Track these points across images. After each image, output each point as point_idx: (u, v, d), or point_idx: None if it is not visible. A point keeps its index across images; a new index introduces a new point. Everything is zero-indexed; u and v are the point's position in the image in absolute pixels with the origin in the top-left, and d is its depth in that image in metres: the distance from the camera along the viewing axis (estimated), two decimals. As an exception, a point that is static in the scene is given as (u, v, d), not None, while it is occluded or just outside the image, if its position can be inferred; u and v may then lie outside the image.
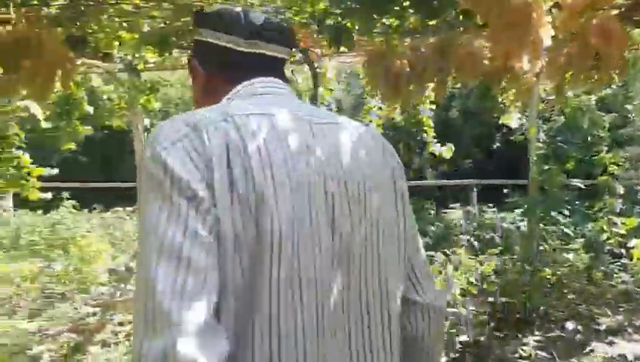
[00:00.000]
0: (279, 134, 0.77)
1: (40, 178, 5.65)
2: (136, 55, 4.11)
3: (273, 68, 0.90)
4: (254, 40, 0.88)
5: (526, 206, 4.93)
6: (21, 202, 6.97)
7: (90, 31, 2.83)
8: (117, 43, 3.43)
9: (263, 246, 0.70)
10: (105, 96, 5.78)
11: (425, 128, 4.97)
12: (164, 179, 0.69)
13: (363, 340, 0.80)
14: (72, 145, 5.68)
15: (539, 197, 4.74)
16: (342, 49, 3.51)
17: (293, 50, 1.01)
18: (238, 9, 0.91)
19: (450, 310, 4.10)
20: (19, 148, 5.57)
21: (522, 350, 4.03)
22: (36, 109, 5.63)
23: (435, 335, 0.93)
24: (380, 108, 5.14)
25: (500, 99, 4.30)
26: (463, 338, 3.98)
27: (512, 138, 5.41)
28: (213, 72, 0.91)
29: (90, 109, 5.75)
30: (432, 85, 2.52)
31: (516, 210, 6.75)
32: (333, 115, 0.91)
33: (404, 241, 0.88)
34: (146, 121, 5.54)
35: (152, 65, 4.86)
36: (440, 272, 4.54)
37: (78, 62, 4.91)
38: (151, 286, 0.63)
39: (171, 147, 0.71)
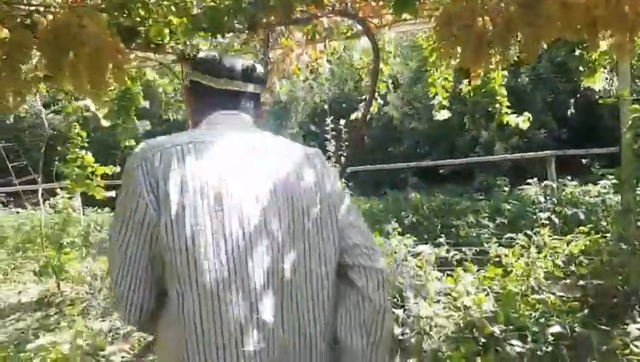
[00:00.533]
0: (209, 156, 1.04)
1: (104, 176, 5.78)
2: (188, 43, 4.00)
3: (238, 101, 1.20)
4: (224, 79, 1.19)
5: (619, 177, 4.41)
6: (88, 201, 7.17)
7: (139, 19, 2.71)
8: (167, 31, 3.31)
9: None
10: (160, 90, 5.76)
11: (498, 98, 4.54)
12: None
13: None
14: (132, 142, 5.73)
15: (636, 165, 4.22)
16: (403, 16, 3.21)
17: (263, 84, 1.25)
18: (215, 56, 1.21)
19: (536, 297, 3.75)
20: (82, 148, 5.71)
21: (625, 341, 3.61)
22: (95, 108, 5.73)
23: (376, 290, 1.08)
24: (446, 78, 4.78)
25: (586, 59, 3.82)
26: (555, 329, 3.60)
27: (599, 101, 4.84)
28: (198, 101, 1.22)
29: (146, 104, 5.78)
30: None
31: (601, 182, 6.16)
32: (266, 140, 1.14)
33: (333, 228, 1.10)
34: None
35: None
36: (521, 255, 4.17)
37: (131, 55, 4.91)
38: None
39: (131, 170, 1.04)
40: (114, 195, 6.00)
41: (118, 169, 5.68)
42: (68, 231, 7.00)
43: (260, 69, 1.25)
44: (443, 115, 4.75)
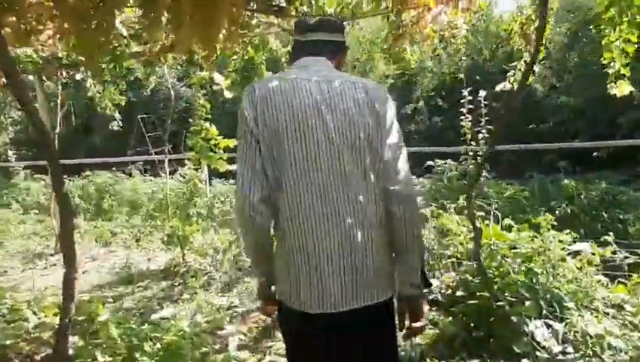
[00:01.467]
0: (289, 90, 1.51)
1: (226, 149, 5.74)
2: (313, 2, 3.66)
3: (318, 48, 1.64)
4: (307, 32, 1.65)
5: None
6: (215, 172, 7.29)
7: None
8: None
9: (283, 153, 1.49)
10: (284, 60, 5.54)
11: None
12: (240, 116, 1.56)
13: (346, 206, 1.49)
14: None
15: None
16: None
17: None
18: (303, 17, 1.86)
19: None
20: (206, 119, 5.72)
21: None
22: (220, 79, 5.68)
23: (408, 215, 1.51)
24: (628, 40, 3.85)
25: None
26: None
27: None
28: (295, 53, 1.68)
29: (269, 75, 5.62)
30: None
31: None
32: (340, 76, 1.58)
33: (379, 150, 1.52)
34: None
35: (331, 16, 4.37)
36: None
37: (253, 21, 4.69)
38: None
39: (244, 97, 1.55)
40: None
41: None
42: (195, 201, 7.26)
43: (335, 21, 1.69)
44: (621, 88, 3.79)
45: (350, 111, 1.49)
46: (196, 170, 7.66)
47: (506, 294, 3.18)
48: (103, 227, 7.26)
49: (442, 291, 3.88)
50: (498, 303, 3.00)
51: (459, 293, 3.56)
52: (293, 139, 1.47)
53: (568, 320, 3.07)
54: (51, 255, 6.46)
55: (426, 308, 1.56)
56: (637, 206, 4.94)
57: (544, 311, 3.11)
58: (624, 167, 7.92)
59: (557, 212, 4.99)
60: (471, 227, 4.18)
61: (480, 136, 5.50)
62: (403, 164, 1.51)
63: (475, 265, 3.26)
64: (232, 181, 8.59)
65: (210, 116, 5.69)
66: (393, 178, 1.49)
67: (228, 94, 5.53)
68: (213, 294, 4.78)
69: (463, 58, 11.63)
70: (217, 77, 5.53)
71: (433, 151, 7.43)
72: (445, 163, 6.59)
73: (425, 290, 1.58)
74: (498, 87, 3.86)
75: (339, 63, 1.66)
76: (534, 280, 3.31)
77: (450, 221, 4.23)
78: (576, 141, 8.91)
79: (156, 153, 9.34)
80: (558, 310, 3.16)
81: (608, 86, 3.85)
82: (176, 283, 5.19)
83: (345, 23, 1.83)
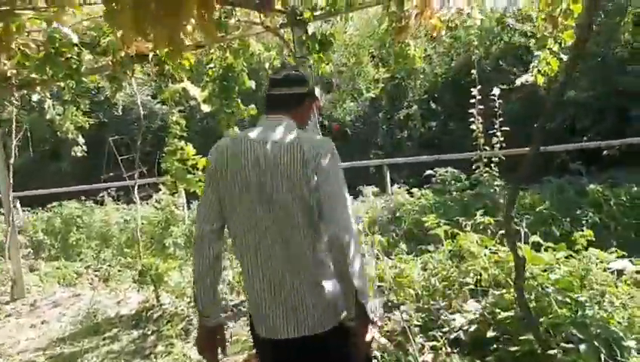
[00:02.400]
0: (238, 149, 1.78)
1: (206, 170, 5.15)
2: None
3: (280, 101, 1.86)
4: (272, 87, 1.87)
5: None
6: (195, 196, 6.67)
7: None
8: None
9: (230, 202, 1.78)
10: (267, 65, 4.98)
11: None
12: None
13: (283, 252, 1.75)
14: (235, 129, 5.05)
15: None
16: None
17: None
18: (276, 74, 1.92)
19: None
20: (181, 138, 5.13)
21: None
22: (195, 91, 5.09)
23: (337, 256, 1.67)
24: None
25: None
26: None
27: None
28: (264, 105, 1.92)
29: (252, 84, 5.06)
30: None
31: None
32: (286, 135, 1.77)
33: (316, 202, 1.70)
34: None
35: (321, 13, 3.82)
36: None
37: (231, 21, 4.13)
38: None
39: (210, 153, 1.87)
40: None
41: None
42: (171, 231, 6.65)
43: (297, 74, 1.90)
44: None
45: (287, 170, 1.70)
46: (173, 194, 7.08)
47: (553, 335, 2.62)
48: (67, 267, 6.56)
49: (465, 328, 3.30)
50: (549, 351, 2.43)
51: (490, 334, 3.00)
52: (237, 192, 1.75)
53: (629, 364, 2.52)
54: (6, 303, 5.76)
55: (370, 334, 1.70)
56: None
57: (602, 357, 2.55)
58: (637, 165, 7.46)
59: (583, 222, 4.46)
60: (494, 248, 3.63)
61: (495, 140, 4.99)
62: (341, 213, 1.65)
63: (517, 303, 2.69)
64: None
65: (185, 134, 5.10)
66: (329, 226, 1.66)
67: (205, 108, 4.94)
68: (193, 344, 4.16)
69: (454, 57, 11.19)
70: (192, 89, 4.96)
71: (432, 159, 6.93)
72: (446, 171, 6.07)
73: (372, 317, 1.70)
74: (520, 80, 3.33)
75: (301, 115, 1.88)
76: (583, 314, 2.76)
77: (468, 241, 3.68)
78: (584, 139, 8.45)
79: (128, 178, 8.70)
80: (618, 352, 2.60)
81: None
82: (149, 332, 4.56)
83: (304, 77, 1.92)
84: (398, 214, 5.39)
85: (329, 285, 1.73)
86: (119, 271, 6.20)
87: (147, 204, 8.09)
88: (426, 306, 3.78)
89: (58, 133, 5.62)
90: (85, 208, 8.38)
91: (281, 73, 1.87)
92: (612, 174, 6.74)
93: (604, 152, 8.00)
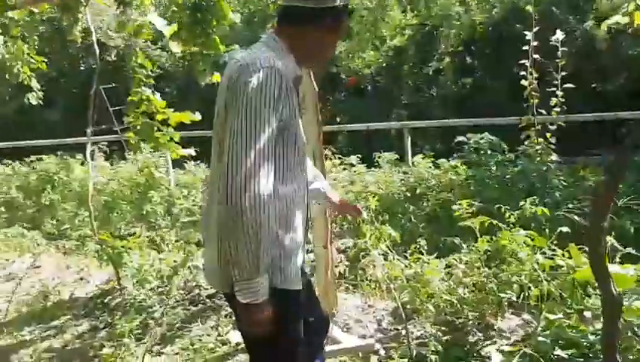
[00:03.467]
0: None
1: (181, 127, 4.30)
2: None
3: (280, 15, 1.55)
4: None
5: None
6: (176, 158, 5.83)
7: None
8: None
9: None
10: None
11: None
12: None
13: None
14: (217, 77, 4.15)
15: None
16: None
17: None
18: None
19: None
20: (147, 85, 4.26)
21: None
22: (161, 25, 4.17)
23: (218, 209, 1.41)
24: None
25: None
26: None
27: None
28: None
29: (236, 17, 4.13)
30: None
31: None
32: (246, 52, 1.52)
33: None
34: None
35: None
36: None
37: None
38: None
39: None
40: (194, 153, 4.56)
41: (199, 116, 4.16)
42: (150, 196, 5.88)
43: None
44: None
45: (220, 96, 1.49)
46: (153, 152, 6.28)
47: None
48: (24, 235, 5.87)
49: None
50: None
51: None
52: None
53: None
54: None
55: (246, 317, 1.44)
56: None
57: None
58: None
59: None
60: (550, 253, 2.73)
61: (554, 101, 3.98)
62: (236, 159, 1.33)
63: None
64: (204, 165, 7.14)
65: (153, 82, 4.23)
66: (222, 168, 1.37)
67: (174, 48, 4.02)
68: (149, 345, 3.43)
69: (499, 2, 9.86)
70: (158, 21, 4.04)
71: (467, 123, 5.91)
72: (482, 138, 5.08)
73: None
74: (612, 20, 2.36)
75: (298, 38, 1.51)
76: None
77: (511, 240, 2.77)
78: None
79: (121, 131, 8.18)
80: None
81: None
82: (101, 325, 3.84)
83: None
84: (419, 191, 4.47)
85: None
86: (80, 242, 5.50)
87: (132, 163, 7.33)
88: (449, 320, 2.94)
89: (6, 75, 4.76)
90: (63, 164, 7.64)
91: None
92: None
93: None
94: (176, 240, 5.14)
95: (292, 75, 1.47)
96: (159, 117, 4.18)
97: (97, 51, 4.43)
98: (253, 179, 1.31)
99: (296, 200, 1.49)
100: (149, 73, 4.11)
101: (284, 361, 1.59)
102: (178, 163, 7.28)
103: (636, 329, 1.95)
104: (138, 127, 4.18)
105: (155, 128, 4.21)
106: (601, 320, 2.41)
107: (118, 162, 8.14)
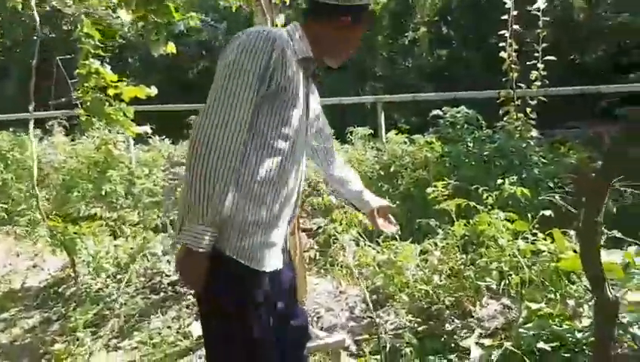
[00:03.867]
0: None
1: (135, 102, 4.01)
2: None
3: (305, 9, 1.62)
4: None
5: None
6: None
7: None
8: None
9: None
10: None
11: None
12: None
13: None
14: (171, 48, 3.85)
15: None
16: None
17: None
18: None
19: None
20: (96, 56, 3.94)
21: None
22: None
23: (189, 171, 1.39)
24: None
25: None
26: None
27: None
28: None
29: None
30: None
31: None
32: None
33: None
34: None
35: None
36: None
37: None
38: None
39: None
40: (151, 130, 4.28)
41: (154, 90, 3.88)
42: (109, 176, 5.56)
43: None
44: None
45: None
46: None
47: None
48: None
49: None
50: None
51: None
52: None
53: None
54: None
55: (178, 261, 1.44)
56: None
57: None
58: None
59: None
60: (532, 237, 2.60)
61: (535, 74, 3.81)
62: (204, 113, 1.36)
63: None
64: (168, 142, 6.81)
65: (102, 52, 3.92)
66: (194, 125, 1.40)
67: (124, 15, 3.69)
68: (105, 339, 3.22)
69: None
70: (109, -14, 3.70)
71: (443, 97, 5.72)
72: (458, 113, 4.91)
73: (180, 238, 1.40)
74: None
75: (316, 32, 1.54)
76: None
77: (490, 224, 2.62)
78: (631, 77, 7.15)
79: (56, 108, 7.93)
80: None
81: None
82: (54, 317, 3.61)
83: None
84: (392, 169, 4.28)
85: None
86: (30, 227, 5.21)
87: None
88: (425, 307, 2.80)
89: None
90: (16, 141, 7.23)
91: None
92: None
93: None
94: (137, 223, 4.89)
95: (299, 55, 1.48)
96: (111, 91, 3.88)
97: (38, 20, 4.09)
98: (219, 129, 1.32)
99: (273, 178, 1.45)
100: (98, 43, 3.78)
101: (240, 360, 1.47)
102: (143, 139, 6.97)
103: (626, 325, 1.81)
104: (88, 103, 3.88)
105: (107, 104, 3.93)
106: (586, 310, 2.32)
107: (80, 137, 7.74)
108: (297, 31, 1.53)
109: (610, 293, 1.32)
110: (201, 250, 1.33)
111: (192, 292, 1.74)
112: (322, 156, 1.86)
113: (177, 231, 1.42)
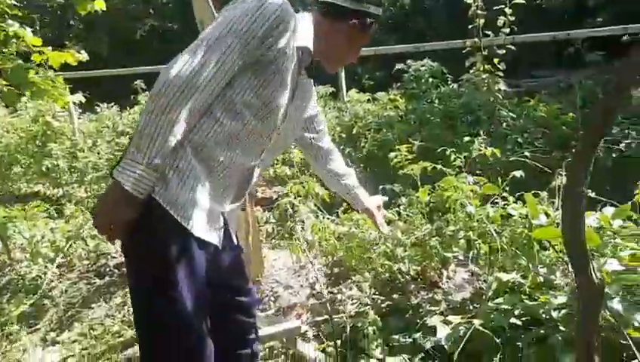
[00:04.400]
0: None
1: (64, 68, 3.63)
2: None
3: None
4: None
5: None
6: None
7: None
8: None
9: None
10: None
11: None
12: None
13: None
14: (101, 4, 3.46)
15: None
16: None
17: None
18: None
19: None
20: (14, 17, 3.53)
21: None
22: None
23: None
24: None
25: None
26: None
27: None
28: None
29: None
30: None
31: None
32: None
33: None
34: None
35: None
36: None
37: None
38: None
39: None
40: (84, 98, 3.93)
41: (85, 56, 3.53)
42: (49, 149, 5.17)
43: None
44: None
45: None
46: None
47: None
48: None
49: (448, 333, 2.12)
50: None
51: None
52: None
53: None
54: None
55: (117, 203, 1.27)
56: None
57: None
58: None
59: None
60: (502, 202, 2.42)
61: (502, 21, 3.56)
62: (185, 56, 1.29)
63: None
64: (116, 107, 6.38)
65: (19, 12, 3.52)
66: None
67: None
68: (43, 334, 2.97)
69: None
70: None
71: (406, 48, 5.43)
72: (423, 65, 4.68)
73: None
74: None
75: (322, 27, 1.53)
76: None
77: (457, 189, 2.43)
78: (598, 21, 6.98)
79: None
80: None
81: None
82: (-11, 305, 3.33)
83: None
84: (355, 131, 4.03)
85: None
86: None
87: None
88: (389, 280, 2.63)
89: None
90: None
91: None
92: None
93: (623, 38, 6.67)
94: (83, 200, 4.58)
95: (300, 42, 1.45)
96: (36, 57, 3.49)
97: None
98: (198, 66, 1.26)
99: (230, 144, 1.38)
100: (14, 2, 3.36)
101: (167, 347, 1.35)
102: (91, 108, 6.54)
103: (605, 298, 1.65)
104: (9, 72, 3.49)
105: (34, 72, 3.54)
106: (559, 277, 2.17)
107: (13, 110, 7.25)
108: (305, 20, 1.51)
109: (596, 276, 1.13)
110: (137, 194, 1.23)
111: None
112: (315, 152, 1.84)
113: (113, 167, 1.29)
